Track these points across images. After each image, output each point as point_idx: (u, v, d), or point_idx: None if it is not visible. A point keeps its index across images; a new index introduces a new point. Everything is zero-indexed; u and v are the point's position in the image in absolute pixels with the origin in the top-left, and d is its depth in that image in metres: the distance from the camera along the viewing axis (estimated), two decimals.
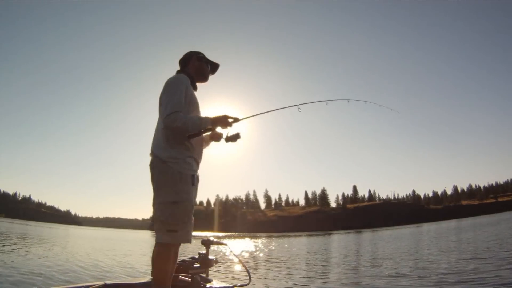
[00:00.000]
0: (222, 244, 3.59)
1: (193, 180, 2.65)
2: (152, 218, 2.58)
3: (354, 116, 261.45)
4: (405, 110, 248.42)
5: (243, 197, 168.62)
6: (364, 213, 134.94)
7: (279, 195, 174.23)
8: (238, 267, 8.03)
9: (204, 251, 3.27)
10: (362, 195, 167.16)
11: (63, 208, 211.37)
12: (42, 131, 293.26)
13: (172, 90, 2.64)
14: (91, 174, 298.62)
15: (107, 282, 2.81)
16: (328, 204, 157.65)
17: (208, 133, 2.86)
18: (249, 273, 3.25)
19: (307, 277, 6.70)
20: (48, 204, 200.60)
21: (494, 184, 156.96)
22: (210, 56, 3.05)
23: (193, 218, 2.61)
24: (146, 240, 32.67)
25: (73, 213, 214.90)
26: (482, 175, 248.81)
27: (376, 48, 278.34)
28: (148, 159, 2.69)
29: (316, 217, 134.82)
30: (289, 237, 43.52)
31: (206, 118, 2.69)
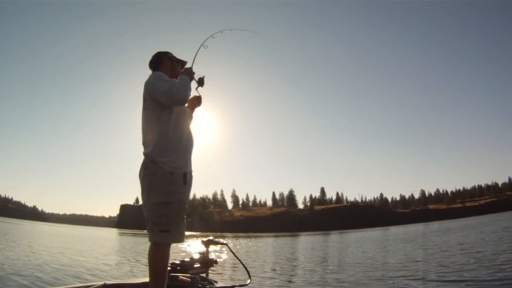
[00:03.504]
0: (222, 244, 3.56)
1: (185, 179, 2.62)
2: (144, 218, 2.61)
3: (323, 114, 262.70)
4: (375, 112, 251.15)
5: (210, 196, 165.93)
6: (331, 215, 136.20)
7: (247, 195, 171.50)
8: (238, 267, 8.09)
9: (204, 251, 3.28)
10: (330, 197, 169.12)
11: (29, 203, 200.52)
12: (10, 125, 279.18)
13: (160, 78, 2.63)
14: (59, 170, 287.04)
15: (107, 282, 2.82)
16: (295, 205, 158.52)
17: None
18: (249, 273, 3.23)
19: (305, 277, 7.22)
20: (14, 199, 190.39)
21: (461, 189, 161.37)
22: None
23: (185, 217, 2.63)
24: (113, 238, 33.31)
25: (39, 209, 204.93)
26: (450, 180, 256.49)
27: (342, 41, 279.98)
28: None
29: (284, 218, 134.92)
30: (257, 238, 43.89)
31: (185, 77, 2.71)
